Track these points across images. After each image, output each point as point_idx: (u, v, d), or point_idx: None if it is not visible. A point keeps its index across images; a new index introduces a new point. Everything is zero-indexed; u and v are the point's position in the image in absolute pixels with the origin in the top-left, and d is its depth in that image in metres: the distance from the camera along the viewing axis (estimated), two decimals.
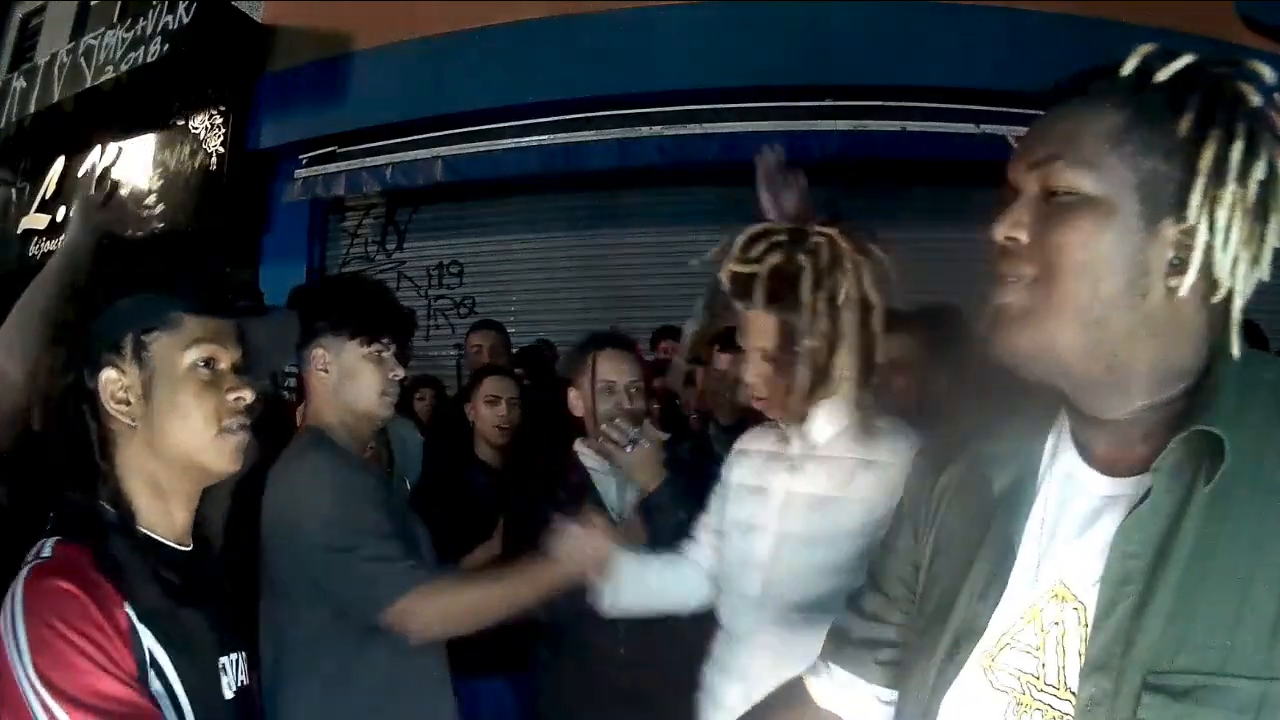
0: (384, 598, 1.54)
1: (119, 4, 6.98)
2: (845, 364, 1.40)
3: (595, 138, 5.00)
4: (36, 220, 7.21)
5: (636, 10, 5.12)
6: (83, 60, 6.57)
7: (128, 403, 1.01)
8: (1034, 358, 0.74)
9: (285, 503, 1.62)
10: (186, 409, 1.02)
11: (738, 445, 1.66)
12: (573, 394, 2.19)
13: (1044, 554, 0.77)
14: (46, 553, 0.94)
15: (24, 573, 0.92)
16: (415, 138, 5.42)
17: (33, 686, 0.85)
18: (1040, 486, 0.80)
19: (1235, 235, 0.69)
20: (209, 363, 1.04)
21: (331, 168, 5.67)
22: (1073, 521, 0.77)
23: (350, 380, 1.73)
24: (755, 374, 1.46)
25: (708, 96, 4.92)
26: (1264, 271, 0.71)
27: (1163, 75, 0.72)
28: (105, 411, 1.01)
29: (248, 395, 1.06)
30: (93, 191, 1.81)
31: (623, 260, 5.40)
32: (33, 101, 6.95)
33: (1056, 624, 0.74)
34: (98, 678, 0.87)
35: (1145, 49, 0.73)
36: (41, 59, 7.16)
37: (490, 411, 2.80)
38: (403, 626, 1.55)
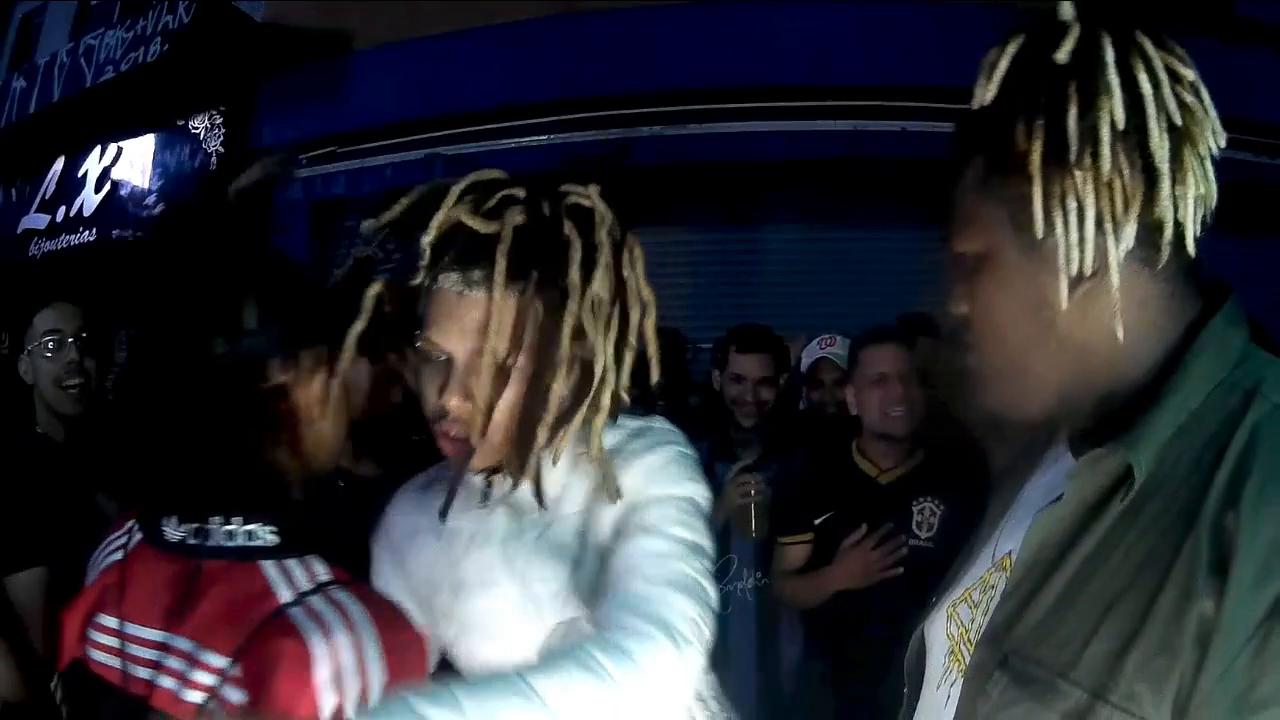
0: None
1: (119, 4, 6.97)
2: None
3: (595, 138, 5.00)
4: (36, 220, 7.21)
5: (637, 10, 5.12)
6: (83, 60, 6.56)
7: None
8: (1001, 411, 0.77)
9: None
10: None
11: None
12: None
13: (1016, 525, 0.79)
14: (325, 575, 0.85)
15: (351, 605, 0.81)
16: (415, 138, 5.42)
17: None
18: (1040, 466, 0.83)
19: (1090, 218, 0.66)
20: None
21: (331, 168, 5.67)
22: (1042, 497, 0.77)
23: None
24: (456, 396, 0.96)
25: (708, 96, 4.92)
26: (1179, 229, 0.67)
27: (989, 96, 0.69)
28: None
29: None
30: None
31: None
32: (33, 101, 6.94)
33: (993, 588, 0.77)
34: None
35: (996, 61, 0.70)
36: (41, 59, 7.16)
37: None
38: None
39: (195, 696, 0.80)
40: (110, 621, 0.88)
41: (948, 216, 0.77)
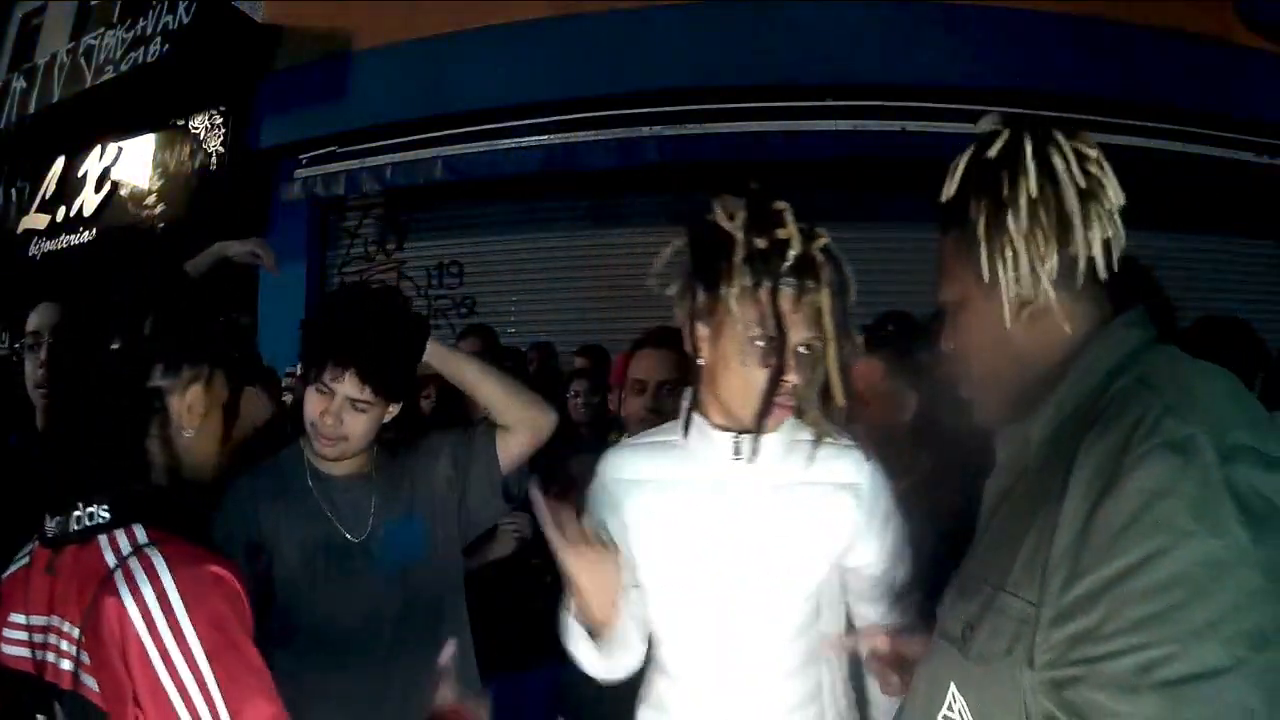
0: None
1: (119, 4, 6.97)
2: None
3: (595, 138, 5.00)
4: (36, 220, 7.21)
5: (636, 10, 5.12)
6: (83, 60, 6.57)
7: None
8: (996, 422, 0.99)
9: None
10: None
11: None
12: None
13: None
14: (143, 538, 0.98)
15: (155, 558, 0.94)
16: (415, 138, 5.42)
17: (200, 684, 0.91)
18: None
19: (1025, 260, 0.89)
20: None
21: (331, 168, 5.67)
22: None
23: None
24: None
25: (708, 96, 4.92)
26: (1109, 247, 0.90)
27: (948, 191, 0.96)
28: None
29: None
30: None
31: (623, 260, 5.39)
32: (33, 101, 6.95)
33: None
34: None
35: (959, 164, 0.95)
36: (41, 59, 7.16)
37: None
38: None
39: (67, 665, 0.96)
40: (19, 619, 1.04)
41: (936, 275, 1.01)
